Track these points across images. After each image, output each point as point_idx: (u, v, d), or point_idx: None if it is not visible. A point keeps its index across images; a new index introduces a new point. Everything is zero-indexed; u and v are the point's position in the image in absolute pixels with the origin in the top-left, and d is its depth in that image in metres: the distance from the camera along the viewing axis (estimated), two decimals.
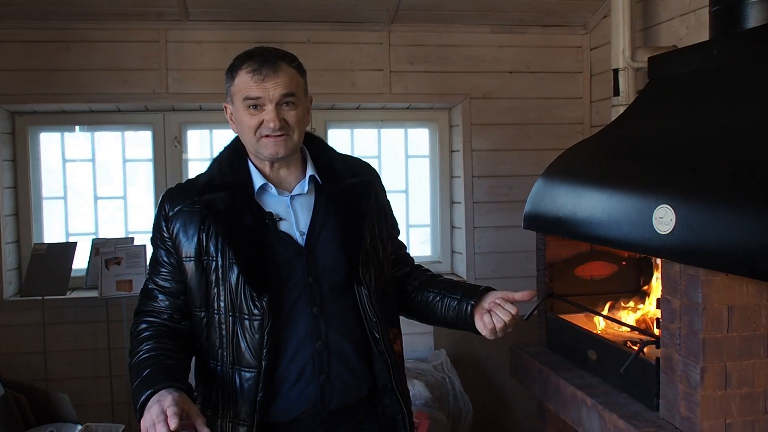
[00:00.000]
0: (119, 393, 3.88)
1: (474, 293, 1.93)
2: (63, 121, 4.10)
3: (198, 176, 1.96)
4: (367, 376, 1.92)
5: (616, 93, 3.30)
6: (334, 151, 2.06)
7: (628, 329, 2.64)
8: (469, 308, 1.91)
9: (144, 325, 1.86)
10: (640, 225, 2.17)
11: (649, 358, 2.35)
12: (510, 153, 4.15)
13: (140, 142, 4.22)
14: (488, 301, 1.89)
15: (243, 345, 1.81)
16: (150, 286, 1.91)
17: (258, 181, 1.90)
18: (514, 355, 3.14)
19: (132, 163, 4.23)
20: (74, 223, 4.21)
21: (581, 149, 2.80)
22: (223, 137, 4.24)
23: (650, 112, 2.54)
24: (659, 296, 2.29)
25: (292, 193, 1.92)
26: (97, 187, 4.20)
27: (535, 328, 3.12)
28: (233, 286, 1.81)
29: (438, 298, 2.00)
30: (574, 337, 2.81)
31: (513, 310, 1.85)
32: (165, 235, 1.88)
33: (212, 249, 1.83)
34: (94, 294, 3.84)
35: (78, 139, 4.19)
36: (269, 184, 1.90)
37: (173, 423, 1.52)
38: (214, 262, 1.83)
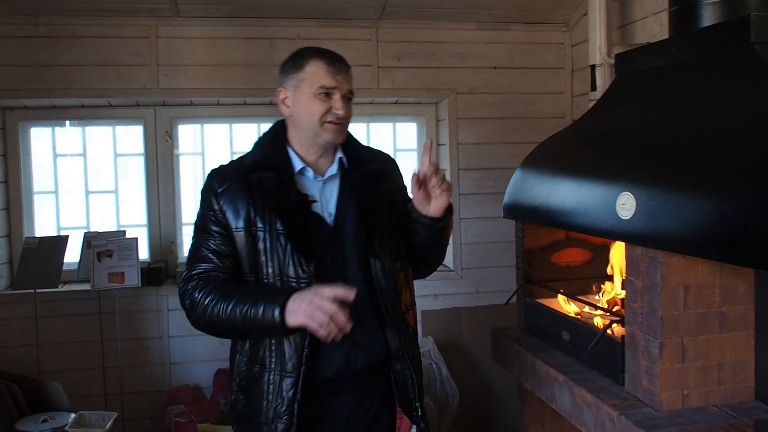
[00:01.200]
0: (112, 384, 4.11)
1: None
2: (54, 116, 4.32)
3: (241, 158, 2.26)
4: (384, 342, 2.23)
5: (594, 88, 3.58)
6: (359, 142, 2.39)
7: (602, 311, 2.91)
8: (413, 215, 2.20)
9: (201, 282, 2.11)
10: (605, 211, 2.44)
11: (616, 336, 2.64)
12: (495, 146, 4.44)
13: (131, 137, 4.47)
14: (416, 198, 2.16)
15: None
16: (202, 251, 2.16)
17: (297, 164, 2.20)
18: (495, 338, 3.43)
19: (123, 157, 4.48)
20: (65, 217, 4.44)
21: (555, 141, 3.08)
22: (214, 131, 4.50)
23: (616, 106, 2.82)
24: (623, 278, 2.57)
25: (325, 177, 2.22)
26: (89, 182, 4.44)
27: (514, 312, 3.41)
28: (281, 254, 2.10)
29: (411, 233, 2.26)
30: (550, 320, 3.09)
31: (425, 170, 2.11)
32: (215, 208, 2.15)
33: (260, 221, 2.11)
34: (86, 287, 4.09)
35: (69, 134, 4.43)
36: (307, 168, 2.20)
37: (352, 293, 1.93)
38: (262, 233, 2.11)
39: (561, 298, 3.15)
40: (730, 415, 2.33)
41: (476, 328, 4.38)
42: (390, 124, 4.67)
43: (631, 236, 2.34)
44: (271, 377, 2.12)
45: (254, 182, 2.13)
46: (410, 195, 2.22)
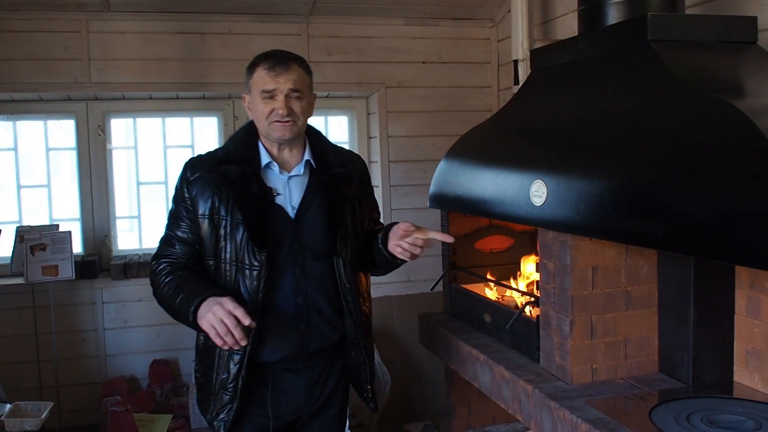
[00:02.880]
0: (47, 377, 4.15)
1: (381, 237, 2.43)
2: None
3: (216, 150, 2.45)
4: (339, 326, 2.45)
5: (516, 82, 3.76)
6: (330, 142, 2.57)
7: (519, 293, 3.08)
8: (386, 252, 2.40)
9: (165, 263, 2.35)
10: (520, 199, 2.60)
11: (531, 317, 2.80)
12: (424, 139, 4.60)
13: (63, 131, 4.48)
14: (393, 240, 2.36)
15: (243, 289, 2.29)
16: (170, 236, 2.39)
17: (265, 159, 2.37)
18: (422, 323, 3.58)
19: (55, 151, 4.49)
20: None
21: (476, 133, 3.23)
22: (146, 125, 4.54)
23: (531, 99, 2.98)
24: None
25: (291, 174, 2.39)
26: (20, 176, 4.44)
27: (440, 297, 3.56)
28: (238, 241, 2.28)
29: (373, 253, 2.47)
30: (473, 304, 3.26)
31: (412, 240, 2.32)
32: (186, 195, 2.34)
33: (223, 210, 2.29)
34: (19, 281, 4.10)
35: None
36: (273, 162, 2.38)
37: (248, 320, 2.07)
38: (224, 221, 2.30)
39: (493, 283, 3.31)
40: (635, 387, 2.50)
41: (407, 315, 4.51)
42: (322, 118, 4.77)
43: (543, 222, 2.49)
44: (222, 352, 2.31)
45: (221, 173, 2.31)
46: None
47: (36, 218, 4.45)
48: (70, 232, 4.12)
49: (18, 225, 4.32)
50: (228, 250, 2.30)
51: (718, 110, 1.92)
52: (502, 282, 3.23)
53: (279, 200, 2.36)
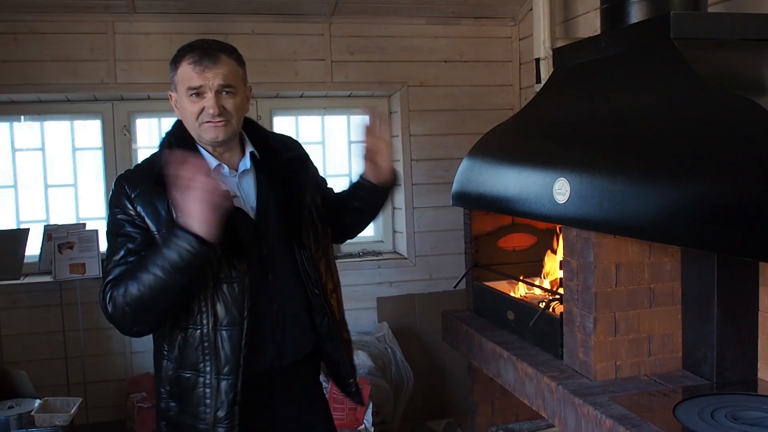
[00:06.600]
0: (74, 374, 4.21)
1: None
2: (12, 111, 4.39)
3: (150, 161, 2.14)
4: (310, 334, 2.23)
5: (538, 80, 3.78)
6: (266, 130, 2.33)
7: (543, 291, 3.10)
8: (360, 180, 2.31)
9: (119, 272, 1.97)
10: (542, 197, 2.62)
11: (555, 314, 2.82)
12: (446, 137, 4.62)
13: (89, 131, 4.55)
14: (368, 168, 2.27)
15: (221, 310, 2.02)
16: (119, 254, 2.00)
17: (212, 162, 2.10)
18: (445, 320, 3.61)
19: (81, 151, 4.56)
20: (25, 211, 4.51)
21: (498, 131, 3.26)
22: (171, 125, 4.59)
23: (553, 98, 3.00)
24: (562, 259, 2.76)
25: (239, 171, 2.14)
26: (47, 176, 4.51)
27: (463, 295, 3.59)
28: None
29: (349, 200, 2.37)
30: (496, 301, 3.28)
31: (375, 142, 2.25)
32: (131, 213, 2.01)
33: None
34: (47, 278, 4.17)
35: (27, 129, 4.49)
36: (223, 164, 2.11)
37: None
38: None
39: (516, 281, 3.33)
40: (659, 383, 2.52)
41: (429, 313, 4.55)
42: (344, 117, 4.82)
43: (566, 219, 2.52)
44: (208, 381, 2.04)
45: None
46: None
47: (63, 217, 4.52)
48: (96, 231, 4.18)
49: (46, 224, 4.38)
50: None
51: (740, 108, 1.94)
52: (526, 279, 3.25)
53: (237, 203, 2.09)
